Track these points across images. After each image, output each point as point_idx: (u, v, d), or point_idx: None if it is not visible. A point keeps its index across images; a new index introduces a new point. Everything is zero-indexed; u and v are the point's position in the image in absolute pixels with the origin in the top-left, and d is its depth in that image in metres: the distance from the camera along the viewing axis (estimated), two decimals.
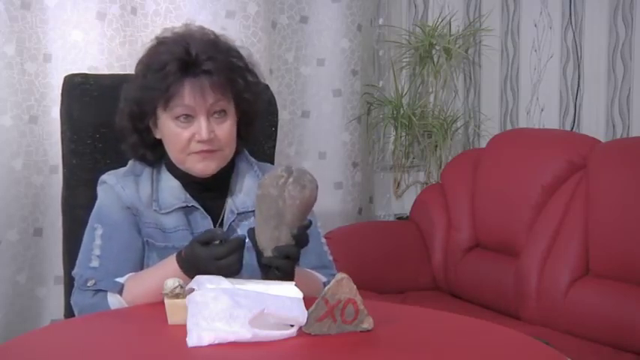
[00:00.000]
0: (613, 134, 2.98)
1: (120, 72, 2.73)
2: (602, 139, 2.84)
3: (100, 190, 1.79)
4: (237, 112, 1.77)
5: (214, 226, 1.77)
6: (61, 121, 2.03)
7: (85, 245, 1.75)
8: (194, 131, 1.70)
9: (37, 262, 2.77)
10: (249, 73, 1.79)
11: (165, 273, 1.60)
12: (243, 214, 1.79)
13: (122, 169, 1.81)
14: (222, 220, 1.79)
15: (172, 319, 1.49)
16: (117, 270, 1.70)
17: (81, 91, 2.01)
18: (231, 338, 1.36)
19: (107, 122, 1.96)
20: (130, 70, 1.97)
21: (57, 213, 2.15)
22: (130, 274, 1.70)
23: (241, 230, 1.77)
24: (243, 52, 1.80)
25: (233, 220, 1.77)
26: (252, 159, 1.88)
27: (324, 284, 1.76)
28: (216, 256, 1.55)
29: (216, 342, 1.36)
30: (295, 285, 1.49)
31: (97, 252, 1.72)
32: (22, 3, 2.67)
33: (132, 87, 1.77)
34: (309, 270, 1.77)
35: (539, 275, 2.65)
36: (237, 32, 2.98)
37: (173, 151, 1.75)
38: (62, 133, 2.03)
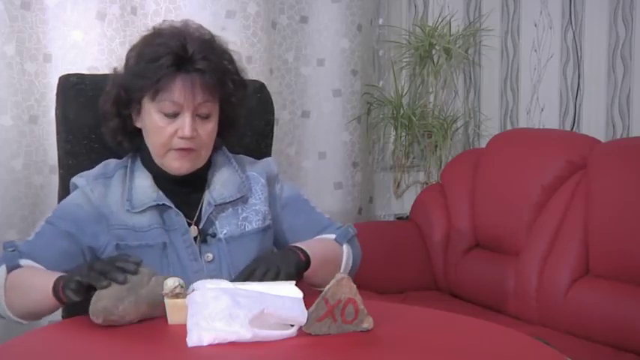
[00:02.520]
0: (613, 134, 2.98)
1: None
2: (602, 139, 2.84)
3: (71, 190, 1.81)
4: (221, 114, 1.78)
5: (188, 223, 1.76)
6: (57, 121, 2.02)
7: None
8: (177, 127, 1.71)
9: None
10: (238, 78, 1.80)
11: (42, 279, 1.58)
12: (220, 206, 1.79)
13: (94, 170, 1.81)
14: (200, 213, 1.78)
15: (172, 319, 1.49)
16: (37, 252, 1.68)
17: (76, 92, 2.00)
18: (231, 338, 1.37)
19: None
20: None
21: None
22: (33, 263, 1.66)
23: (219, 222, 1.78)
24: (235, 56, 1.81)
25: (211, 212, 1.78)
26: (229, 153, 1.88)
27: (336, 240, 1.87)
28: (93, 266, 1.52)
29: (216, 342, 1.36)
30: (296, 285, 1.50)
31: (37, 229, 1.75)
32: (22, 3, 2.67)
33: (122, 72, 1.77)
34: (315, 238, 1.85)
35: (539, 275, 2.65)
36: (237, 32, 2.98)
37: (154, 144, 1.74)
38: (58, 133, 2.02)
